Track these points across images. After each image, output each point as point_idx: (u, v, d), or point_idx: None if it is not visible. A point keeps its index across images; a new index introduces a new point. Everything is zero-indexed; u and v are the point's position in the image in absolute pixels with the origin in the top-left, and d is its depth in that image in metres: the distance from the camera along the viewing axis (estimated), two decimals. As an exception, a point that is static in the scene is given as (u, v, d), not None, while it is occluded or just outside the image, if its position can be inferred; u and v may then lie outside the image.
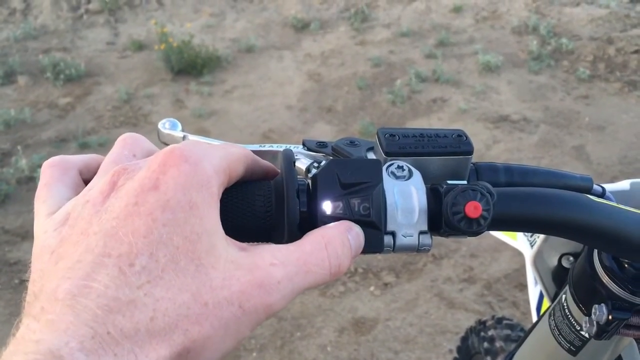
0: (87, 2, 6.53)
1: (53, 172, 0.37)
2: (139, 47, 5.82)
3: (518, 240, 0.89)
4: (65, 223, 0.32)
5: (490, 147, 3.91)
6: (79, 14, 6.43)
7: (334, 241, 0.34)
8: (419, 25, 6.03)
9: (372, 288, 2.76)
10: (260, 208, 0.38)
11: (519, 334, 1.19)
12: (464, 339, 1.37)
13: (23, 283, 2.88)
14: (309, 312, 2.63)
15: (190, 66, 5.21)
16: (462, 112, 4.35)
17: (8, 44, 5.90)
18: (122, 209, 0.29)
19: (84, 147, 4.13)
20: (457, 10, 6.23)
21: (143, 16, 6.47)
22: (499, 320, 1.26)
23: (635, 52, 4.93)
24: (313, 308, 2.65)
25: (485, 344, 1.21)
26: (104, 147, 4.12)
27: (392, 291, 2.75)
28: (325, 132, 4.21)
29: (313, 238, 0.34)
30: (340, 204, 0.37)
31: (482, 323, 1.29)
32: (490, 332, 1.22)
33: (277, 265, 0.31)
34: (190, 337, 0.28)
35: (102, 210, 0.30)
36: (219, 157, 0.33)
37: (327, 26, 6.17)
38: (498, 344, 1.18)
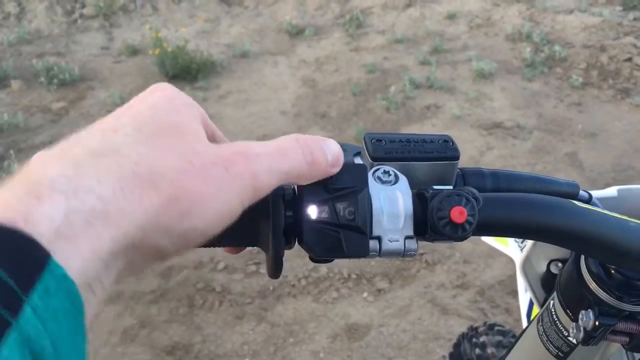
0: (82, 7, 6.53)
1: None
2: (134, 51, 5.82)
3: (509, 247, 0.89)
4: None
5: (484, 154, 3.92)
6: (73, 18, 6.43)
7: (304, 138, 0.36)
8: (413, 32, 6.06)
9: (365, 294, 2.76)
10: (244, 212, 0.37)
11: (510, 340, 1.19)
12: (456, 345, 1.37)
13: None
14: (301, 318, 2.63)
15: (184, 71, 5.21)
16: (456, 118, 4.36)
17: (2, 48, 5.89)
18: (111, 116, 0.32)
19: (77, 152, 4.11)
20: (451, 17, 6.26)
21: (138, 21, 6.47)
22: (490, 327, 1.26)
23: (628, 59, 4.96)
24: (306, 314, 2.64)
25: (477, 350, 1.21)
26: (97, 151, 4.10)
27: (385, 297, 2.74)
28: (320, 138, 4.21)
29: (283, 137, 0.36)
30: (326, 208, 0.37)
31: (474, 329, 1.29)
32: (482, 339, 1.22)
33: (254, 145, 0.33)
34: (177, 185, 0.29)
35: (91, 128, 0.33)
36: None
37: (322, 32, 6.19)
38: (490, 350, 1.18)
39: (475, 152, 3.93)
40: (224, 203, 0.30)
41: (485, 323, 1.29)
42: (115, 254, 0.26)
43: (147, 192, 0.27)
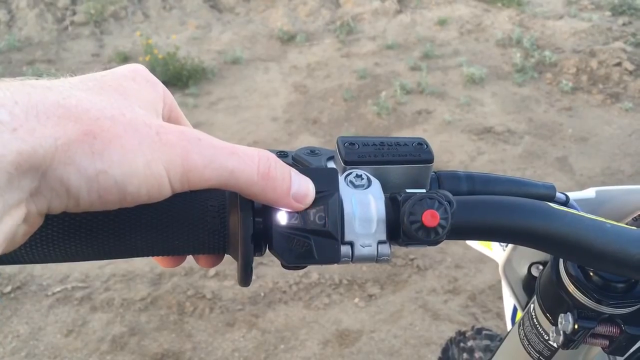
0: (72, 14, 6.51)
1: None
2: (124, 58, 5.81)
3: (493, 250, 0.89)
4: None
5: (475, 159, 3.92)
6: (64, 25, 6.41)
7: (272, 157, 0.35)
8: (404, 38, 6.08)
9: (356, 300, 2.75)
10: (213, 218, 0.37)
11: (498, 344, 1.19)
12: (445, 350, 1.36)
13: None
14: (292, 324, 2.61)
15: (175, 78, 5.21)
16: (447, 123, 4.37)
17: (-8, 56, 5.86)
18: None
19: (67, 159, 4.09)
20: (442, 23, 6.28)
21: (129, 28, 6.46)
22: (478, 331, 1.25)
23: (617, 64, 4.99)
24: (297, 320, 2.63)
25: (465, 355, 1.20)
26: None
27: (376, 303, 2.74)
28: (311, 144, 4.21)
29: (250, 149, 0.35)
30: (296, 214, 0.36)
31: (462, 334, 1.29)
32: (470, 343, 1.21)
33: (205, 135, 0.33)
34: (99, 124, 0.28)
35: None
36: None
37: (313, 38, 6.20)
38: (477, 354, 1.17)
39: (466, 157, 3.94)
40: (145, 163, 0.29)
41: (473, 327, 1.28)
42: (21, 170, 0.26)
43: (65, 122, 0.27)
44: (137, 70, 0.35)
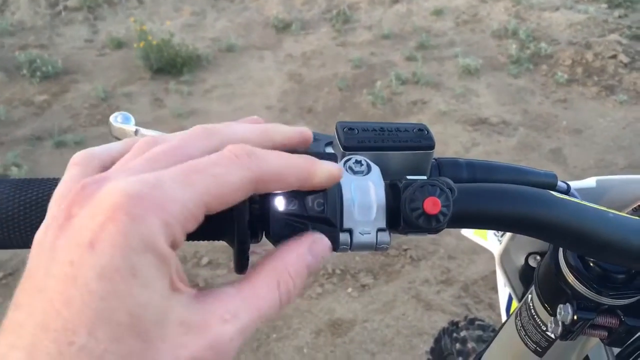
0: (66, -1, 6.45)
1: (76, 169, 0.34)
2: (118, 45, 5.76)
3: (488, 240, 0.89)
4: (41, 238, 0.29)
5: (469, 150, 3.92)
6: (57, 10, 6.34)
7: (290, 275, 0.32)
8: (400, 27, 6.05)
9: (349, 289, 2.75)
10: None
11: (490, 335, 1.19)
12: (437, 340, 1.36)
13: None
14: (285, 313, 2.61)
15: (169, 65, 5.16)
16: (442, 114, 4.37)
17: (-17, 40, 5.80)
18: (61, 269, 0.26)
19: (59, 146, 4.07)
20: (438, 13, 6.26)
21: (122, 14, 6.40)
22: (471, 321, 1.25)
23: (613, 57, 4.99)
24: (290, 309, 2.63)
25: (458, 345, 1.20)
26: (80, 145, 4.06)
27: (369, 293, 2.74)
28: (305, 133, 4.19)
29: (266, 278, 0.31)
30: (294, 200, 0.35)
31: (454, 324, 1.29)
32: (462, 333, 1.21)
33: (229, 320, 0.28)
34: None
35: (53, 252, 0.27)
36: (186, 197, 0.28)
37: (309, 27, 6.16)
38: (470, 344, 1.17)
39: (460, 147, 3.94)
40: None
41: (465, 318, 1.28)
42: None
43: None
44: (131, 251, 0.25)
